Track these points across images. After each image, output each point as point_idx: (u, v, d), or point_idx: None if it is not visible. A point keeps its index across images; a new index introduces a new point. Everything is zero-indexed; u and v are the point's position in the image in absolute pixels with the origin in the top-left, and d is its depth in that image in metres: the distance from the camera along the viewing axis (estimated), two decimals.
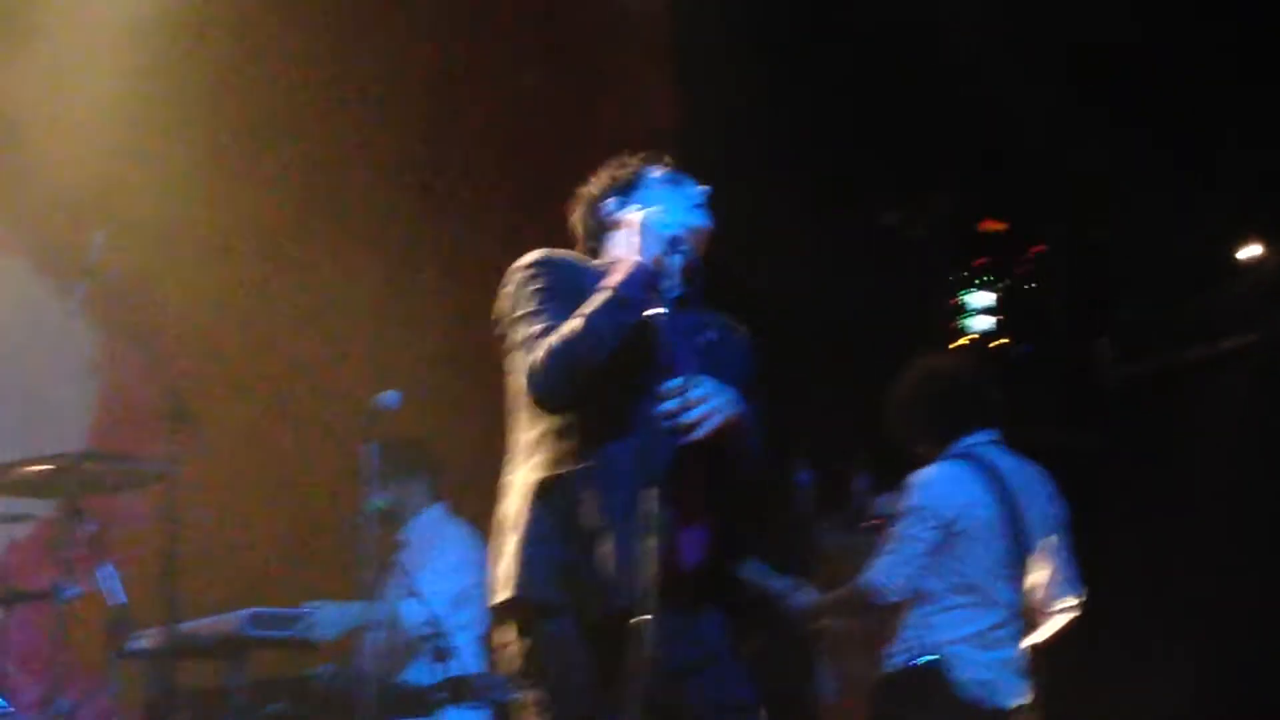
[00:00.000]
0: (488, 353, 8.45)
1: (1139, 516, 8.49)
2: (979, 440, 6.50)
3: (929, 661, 6.29)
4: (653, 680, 4.27)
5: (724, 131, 8.34)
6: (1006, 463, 6.50)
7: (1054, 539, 6.50)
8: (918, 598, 6.34)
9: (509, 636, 4.61)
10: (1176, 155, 8.06)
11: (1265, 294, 8.37)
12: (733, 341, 4.81)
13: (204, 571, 7.22)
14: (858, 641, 6.98)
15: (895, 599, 6.33)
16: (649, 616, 4.26)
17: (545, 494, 4.57)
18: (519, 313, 4.64)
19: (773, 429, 4.90)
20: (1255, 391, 8.22)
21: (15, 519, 6.76)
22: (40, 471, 6.49)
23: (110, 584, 6.47)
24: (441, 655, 6.16)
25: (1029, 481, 6.51)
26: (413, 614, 6.68)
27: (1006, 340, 8.65)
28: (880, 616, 6.45)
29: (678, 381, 4.40)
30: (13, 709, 6.50)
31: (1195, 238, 8.45)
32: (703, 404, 4.40)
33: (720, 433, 4.47)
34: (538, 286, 4.64)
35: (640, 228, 4.64)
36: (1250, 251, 8.51)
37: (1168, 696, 7.97)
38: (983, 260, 8.69)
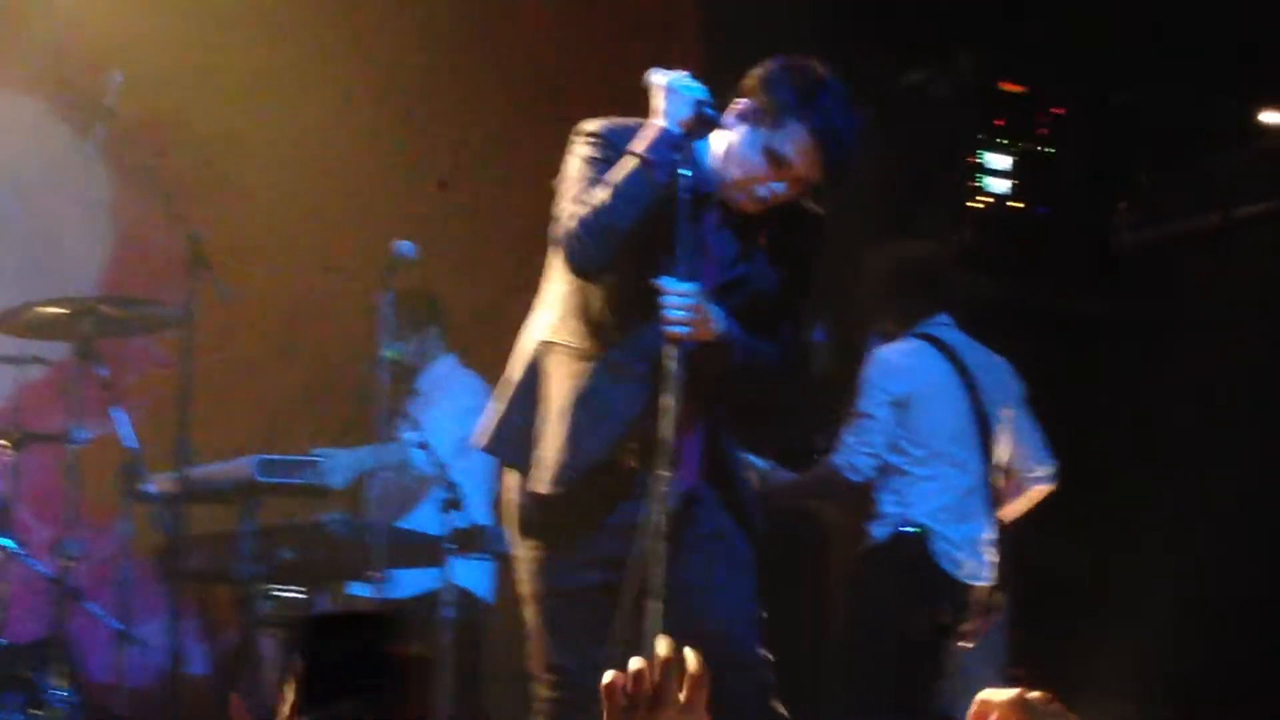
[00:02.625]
0: (503, 206, 8.50)
1: (1146, 382, 8.48)
2: (936, 322, 6.62)
3: (907, 533, 6.39)
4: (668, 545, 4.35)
5: None
6: (962, 342, 6.62)
7: (1014, 412, 6.61)
8: (888, 472, 6.42)
9: (506, 484, 4.78)
10: (1200, 18, 7.98)
11: None
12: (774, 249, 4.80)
13: (215, 417, 7.25)
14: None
15: (860, 479, 6.42)
16: (667, 474, 4.35)
17: (537, 356, 4.69)
18: (567, 178, 4.70)
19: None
20: (1271, 260, 8.16)
21: (28, 361, 6.79)
22: (55, 314, 6.53)
23: (122, 428, 6.51)
24: (450, 506, 6.19)
25: (986, 358, 6.65)
26: (421, 461, 6.72)
27: (1022, 204, 8.60)
28: (850, 497, 6.55)
29: (670, 283, 4.47)
30: (24, 550, 6.56)
31: (1217, 102, 8.37)
32: (683, 310, 4.47)
33: (698, 342, 4.53)
34: (588, 156, 4.69)
35: (665, 91, 4.63)
36: (1272, 117, 8.43)
37: (1155, 565, 7.96)
38: (1001, 121, 8.62)
